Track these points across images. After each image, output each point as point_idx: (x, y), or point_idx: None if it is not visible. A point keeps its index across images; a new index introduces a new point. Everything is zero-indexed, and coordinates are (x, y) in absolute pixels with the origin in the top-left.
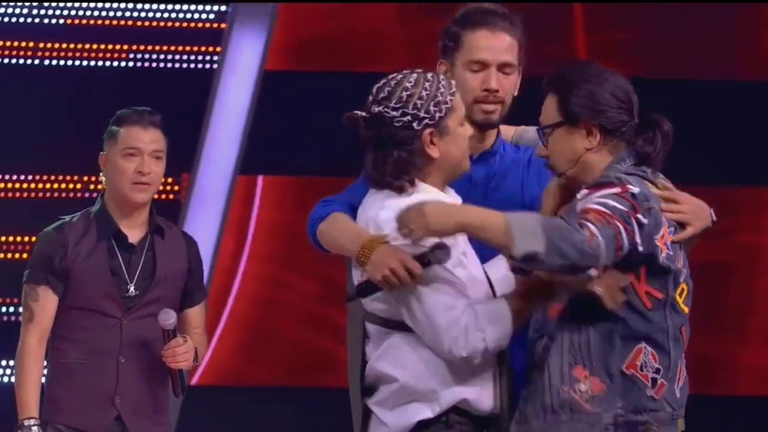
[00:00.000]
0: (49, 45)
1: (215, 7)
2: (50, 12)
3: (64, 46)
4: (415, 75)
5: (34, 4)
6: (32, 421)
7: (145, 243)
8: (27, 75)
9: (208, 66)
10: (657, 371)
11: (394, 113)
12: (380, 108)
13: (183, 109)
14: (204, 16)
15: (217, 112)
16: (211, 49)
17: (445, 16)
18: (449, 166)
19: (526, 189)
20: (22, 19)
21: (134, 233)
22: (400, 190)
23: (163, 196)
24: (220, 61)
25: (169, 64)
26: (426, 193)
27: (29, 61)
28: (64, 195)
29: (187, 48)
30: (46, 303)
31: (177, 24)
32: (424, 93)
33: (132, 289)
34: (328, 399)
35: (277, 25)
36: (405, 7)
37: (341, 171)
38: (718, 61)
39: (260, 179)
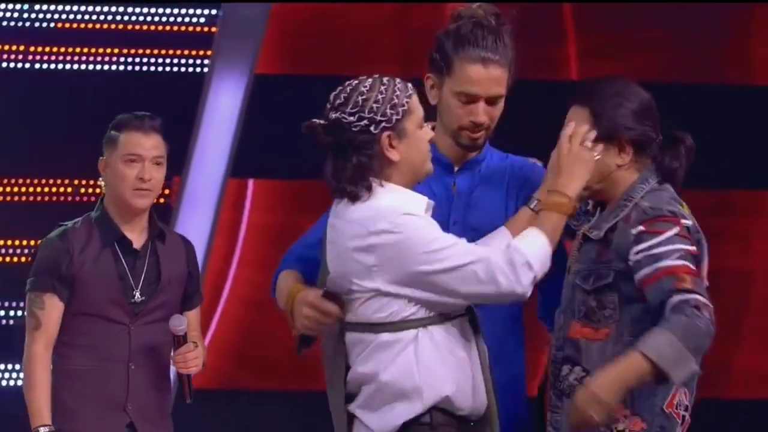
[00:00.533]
0: (39, 48)
1: (206, 11)
2: (41, 15)
3: (55, 49)
4: (370, 80)
5: (25, 7)
6: (46, 428)
7: (147, 248)
8: (17, 78)
9: (198, 69)
10: (686, 408)
11: (351, 118)
12: (337, 114)
13: (174, 113)
14: (195, 19)
15: (208, 116)
16: (201, 52)
17: (437, 17)
18: (410, 169)
19: (510, 197)
20: (12, 23)
21: (136, 238)
22: (355, 198)
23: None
24: (211, 65)
25: (160, 68)
26: (393, 192)
27: (19, 65)
28: (54, 198)
29: (178, 51)
30: (51, 310)
31: (168, 27)
32: (379, 96)
33: (137, 295)
34: (320, 402)
35: (268, 29)
36: (396, 8)
37: None
38: (710, 64)
39: (251, 183)
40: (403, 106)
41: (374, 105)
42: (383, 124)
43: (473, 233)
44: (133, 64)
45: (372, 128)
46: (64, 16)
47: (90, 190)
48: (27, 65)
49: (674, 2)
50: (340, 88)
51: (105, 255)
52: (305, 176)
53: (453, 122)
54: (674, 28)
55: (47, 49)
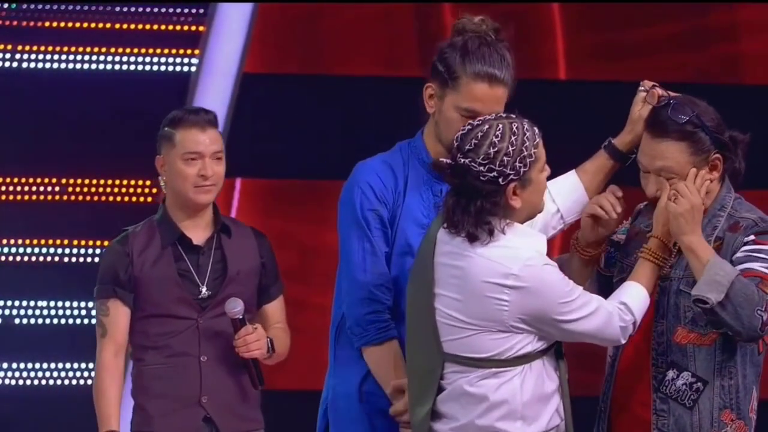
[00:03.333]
0: (27, 47)
1: (194, 10)
2: (27, 14)
3: (42, 48)
4: (501, 126)
5: (12, 6)
6: None
7: (212, 243)
8: (3, 78)
9: (186, 68)
10: (755, 412)
11: (481, 168)
12: (466, 160)
13: (161, 113)
14: (182, 18)
15: None
16: (189, 51)
17: (424, 17)
18: (528, 212)
19: None
20: None
21: (199, 234)
22: (474, 239)
23: (141, 199)
24: (199, 64)
25: (147, 67)
26: (521, 234)
27: (6, 64)
28: (42, 197)
29: (166, 50)
30: (117, 316)
31: (155, 26)
32: (510, 149)
33: (204, 290)
34: (309, 402)
35: (256, 28)
36: (383, 8)
37: (320, 174)
38: (700, 64)
39: (238, 182)
40: (531, 157)
41: (505, 158)
42: (511, 176)
43: None
44: (121, 63)
45: (500, 180)
46: (51, 15)
47: (78, 189)
48: (15, 64)
49: (663, 2)
50: (468, 128)
51: (165, 255)
52: (293, 175)
53: (451, 134)
54: (664, 27)
55: (34, 48)
